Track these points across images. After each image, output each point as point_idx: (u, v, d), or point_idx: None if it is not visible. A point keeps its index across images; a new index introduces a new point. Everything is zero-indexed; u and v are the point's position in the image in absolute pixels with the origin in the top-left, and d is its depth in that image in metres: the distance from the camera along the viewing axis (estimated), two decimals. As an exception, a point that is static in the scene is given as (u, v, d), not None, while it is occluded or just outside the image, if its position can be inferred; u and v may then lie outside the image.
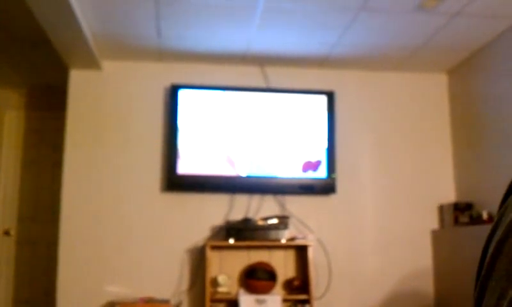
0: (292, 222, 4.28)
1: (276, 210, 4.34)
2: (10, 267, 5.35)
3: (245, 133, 4.32)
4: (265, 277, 4.05)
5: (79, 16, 3.42)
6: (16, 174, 5.50)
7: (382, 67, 4.60)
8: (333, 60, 4.43)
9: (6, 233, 5.38)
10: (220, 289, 4.05)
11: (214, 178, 4.24)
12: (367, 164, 4.56)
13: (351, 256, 4.42)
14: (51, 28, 3.56)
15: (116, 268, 4.19)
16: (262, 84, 4.51)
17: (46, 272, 5.11)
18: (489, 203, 4.02)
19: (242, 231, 4.06)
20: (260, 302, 3.95)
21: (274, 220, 4.14)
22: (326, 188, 4.35)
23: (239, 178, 4.26)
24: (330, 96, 4.45)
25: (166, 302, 3.99)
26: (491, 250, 0.51)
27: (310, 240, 4.16)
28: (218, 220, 4.30)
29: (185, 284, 4.23)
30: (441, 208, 4.50)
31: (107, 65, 4.44)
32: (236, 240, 4.03)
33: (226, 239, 4.05)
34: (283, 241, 4.08)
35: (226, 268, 4.21)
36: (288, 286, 4.22)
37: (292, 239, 4.14)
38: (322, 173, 4.33)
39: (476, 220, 3.98)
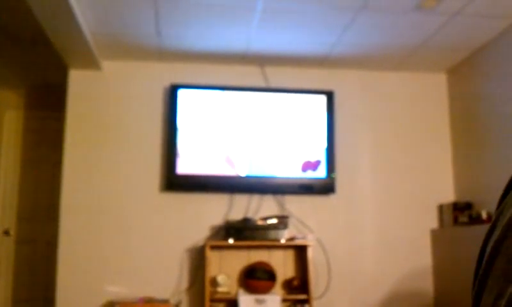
0: (291, 222, 4.28)
1: (276, 210, 4.34)
2: (9, 267, 5.35)
3: (244, 133, 4.32)
4: (264, 277, 4.05)
5: (78, 16, 3.42)
6: (15, 174, 5.50)
7: (381, 67, 4.60)
8: (332, 60, 4.43)
9: (6, 232, 5.38)
10: (220, 289, 4.05)
11: (213, 177, 4.24)
12: (366, 163, 4.56)
13: (351, 256, 4.42)
14: (50, 28, 3.55)
15: (116, 268, 4.19)
16: (262, 84, 4.51)
17: (45, 272, 5.11)
18: (488, 203, 4.02)
19: (241, 231, 4.06)
20: (259, 301, 3.95)
21: (274, 220, 4.14)
22: (325, 188, 4.35)
23: (238, 177, 4.26)
24: (330, 95, 4.45)
25: (166, 301, 3.99)
26: (488, 249, 0.51)
27: (309, 240, 4.16)
28: (218, 220, 4.30)
29: (184, 284, 4.23)
30: (441, 208, 4.51)
31: (107, 65, 4.44)
32: (236, 239, 4.03)
33: (226, 239, 4.05)
34: (283, 241, 4.08)
35: (226, 268, 4.21)
36: (288, 286, 4.22)
37: (291, 239, 4.14)
38: (321, 172, 4.33)
39: (475, 219, 3.98)
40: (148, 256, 4.23)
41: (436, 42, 4.05)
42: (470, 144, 4.36)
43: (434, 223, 4.53)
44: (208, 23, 3.76)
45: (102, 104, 4.39)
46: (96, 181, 4.28)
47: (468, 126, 4.39)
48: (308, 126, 4.38)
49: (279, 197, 4.38)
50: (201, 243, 4.24)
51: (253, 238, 4.06)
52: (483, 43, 4.09)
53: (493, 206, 3.72)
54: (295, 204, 4.37)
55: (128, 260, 4.21)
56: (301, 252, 4.27)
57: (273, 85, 4.51)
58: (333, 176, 4.35)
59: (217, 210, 4.31)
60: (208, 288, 3.93)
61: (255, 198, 4.35)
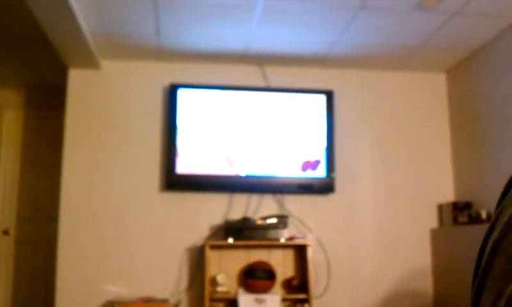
0: (291, 222, 4.28)
1: (275, 210, 4.34)
2: (9, 267, 5.35)
3: (244, 132, 4.32)
4: (264, 276, 4.05)
5: (78, 16, 3.42)
6: (15, 174, 5.50)
7: (381, 66, 4.60)
8: (332, 59, 4.43)
9: (5, 232, 5.39)
10: (219, 288, 4.05)
11: (213, 177, 4.24)
12: (366, 163, 4.56)
13: (350, 256, 4.42)
14: (50, 27, 3.55)
15: (115, 268, 4.19)
16: (261, 83, 4.51)
17: (45, 272, 5.12)
18: (488, 203, 4.02)
19: (241, 231, 4.06)
20: (259, 301, 3.95)
21: (273, 220, 4.14)
22: (325, 187, 4.35)
23: (238, 177, 4.26)
24: (329, 95, 4.45)
25: (165, 301, 3.98)
26: (488, 249, 0.51)
27: (309, 240, 4.16)
28: (217, 219, 4.30)
29: (184, 283, 4.23)
30: (440, 208, 4.51)
31: (106, 64, 4.44)
32: (235, 239, 4.03)
33: (226, 238, 4.05)
34: (282, 240, 4.08)
35: (226, 268, 4.21)
36: (288, 285, 4.22)
37: (291, 238, 4.14)
38: (321, 172, 4.33)
39: (475, 219, 3.98)
40: (148, 256, 4.23)
41: (436, 42, 4.05)
42: (469, 143, 4.36)
43: (433, 223, 4.53)
44: (207, 23, 3.76)
45: (102, 104, 4.39)
46: (95, 180, 4.28)
47: (468, 126, 4.39)
48: (308, 126, 4.38)
49: (278, 196, 4.38)
50: (200, 242, 4.24)
51: (252, 238, 4.06)
52: (483, 42, 4.09)
53: (492, 206, 3.73)
54: (294, 204, 4.38)
55: (128, 260, 4.21)
56: (300, 251, 4.27)
57: (273, 84, 4.51)
58: (333, 175, 4.35)
59: (216, 209, 4.32)
60: (207, 288, 3.93)
61: (255, 198, 4.35)
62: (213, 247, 4.14)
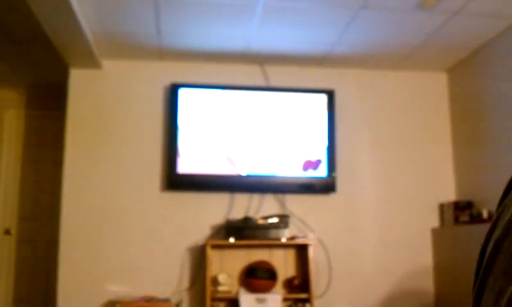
0: (292, 221, 4.28)
1: (277, 209, 4.34)
2: (11, 266, 5.36)
3: (245, 132, 4.32)
4: (265, 276, 4.05)
5: (78, 15, 3.42)
6: (16, 174, 5.50)
7: (382, 66, 4.60)
8: (333, 58, 4.43)
9: (7, 232, 5.39)
10: (220, 288, 4.05)
11: (214, 177, 4.24)
12: (367, 162, 4.56)
13: (352, 255, 4.42)
14: (51, 27, 3.56)
15: (117, 267, 4.19)
16: (262, 83, 4.51)
17: (46, 271, 5.12)
18: (489, 202, 4.02)
19: (242, 230, 4.06)
20: (260, 301, 3.95)
21: (275, 220, 4.14)
22: (326, 187, 4.35)
23: (239, 177, 4.26)
24: (330, 94, 4.45)
25: (167, 301, 3.99)
26: (489, 249, 0.51)
27: (310, 239, 4.16)
28: (218, 219, 4.30)
29: (185, 283, 4.23)
30: (442, 207, 4.51)
31: (107, 64, 4.44)
32: (236, 239, 4.03)
33: (227, 238, 4.05)
34: (284, 240, 4.08)
35: (227, 267, 4.21)
36: (289, 285, 4.22)
37: (292, 238, 4.14)
38: (322, 171, 4.33)
39: (476, 218, 3.98)
40: (149, 256, 4.23)
41: (437, 41, 4.04)
42: (470, 143, 4.36)
43: (435, 222, 4.53)
44: (208, 23, 3.76)
45: (103, 103, 4.39)
46: (97, 180, 4.28)
47: (469, 125, 4.38)
48: (309, 126, 4.38)
49: (280, 196, 4.38)
50: (202, 242, 4.24)
51: (253, 238, 4.06)
52: (483, 42, 4.09)
53: (494, 205, 3.71)
54: (296, 204, 4.37)
55: (129, 259, 4.21)
56: (301, 251, 4.27)
57: (274, 84, 4.51)
58: (334, 175, 4.35)
59: (218, 209, 4.32)
60: (209, 287, 3.93)
61: (256, 197, 4.35)
62: (214, 246, 4.14)
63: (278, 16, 3.65)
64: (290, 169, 4.30)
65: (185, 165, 4.22)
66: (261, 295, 3.98)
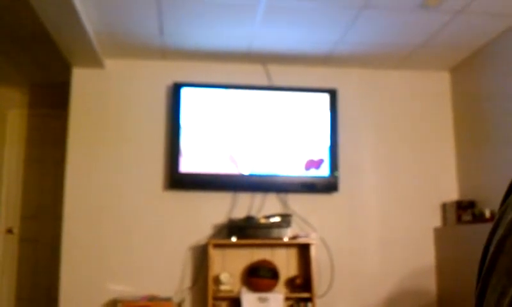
0: (294, 221, 4.28)
1: (279, 208, 4.34)
2: (13, 265, 5.37)
3: (247, 131, 4.32)
4: (267, 275, 4.06)
5: (81, 15, 3.42)
6: (19, 173, 5.51)
7: (385, 65, 4.59)
8: (335, 58, 4.42)
9: (9, 231, 5.40)
10: (222, 287, 4.06)
11: (216, 176, 4.25)
12: (369, 162, 4.55)
13: (354, 254, 4.42)
14: (54, 27, 3.56)
15: (119, 266, 4.20)
16: (265, 82, 4.51)
17: (49, 270, 5.13)
18: (492, 201, 4.01)
19: (244, 230, 4.06)
20: (262, 300, 3.95)
21: (277, 219, 4.14)
22: (328, 186, 4.35)
23: (241, 176, 4.26)
24: (333, 94, 4.44)
25: (169, 300, 3.99)
26: (492, 248, 0.50)
27: (312, 239, 4.16)
28: (221, 218, 4.31)
29: (187, 282, 4.24)
30: (444, 206, 4.50)
31: (110, 63, 4.44)
32: (238, 238, 4.03)
33: (229, 237, 4.05)
34: (286, 239, 4.08)
35: (229, 267, 4.22)
36: (291, 284, 4.22)
37: (294, 237, 4.14)
38: (324, 171, 4.33)
39: (479, 218, 3.97)
40: (151, 255, 4.24)
41: (440, 40, 4.04)
42: (473, 142, 4.35)
43: (437, 221, 4.53)
44: (211, 22, 3.77)
45: (105, 103, 4.40)
46: (99, 179, 4.28)
47: (472, 125, 4.38)
48: (311, 125, 4.38)
49: (282, 195, 4.38)
50: (204, 241, 4.24)
51: (256, 237, 4.06)
52: (486, 41, 4.08)
53: (496, 205, 3.72)
54: (298, 203, 4.37)
55: (132, 259, 4.22)
56: (304, 250, 4.27)
57: (276, 83, 4.51)
58: (336, 174, 4.35)
59: (220, 208, 4.32)
60: (211, 287, 3.93)
61: (258, 197, 4.36)
62: (216, 246, 4.15)
63: (280, 15, 3.65)
64: (293, 169, 4.30)
65: (187, 165, 4.22)
66: (263, 294, 3.98)
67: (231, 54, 4.36)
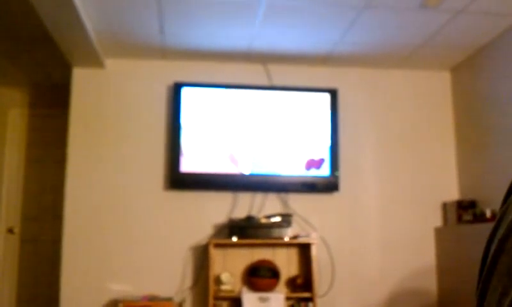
0: (295, 220, 4.28)
1: (279, 208, 4.34)
2: (14, 265, 5.37)
3: (248, 131, 4.32)
4: (268, 275, 4.06)
5: (82, 15, 3.42)
6: (19, 173, 5.51)
7: (385, 65, 4.59)
8: (336, 58, 4.42)
9: (10, 231, 5.40)
10: (223, 287, 4.06)
11: (217, 176, 4.25)
12: (370, 161, 4.55)
13: (354, 254, 4.41)
14: (54, 26, 3.56)
15: (120, 266, 4.20)
16: (265, 82, 4.51)
17: (49, 270, 5.13)
18: (492, 201, 4.01)
19: (245, 229, 4.06)
20: (263, 299, 3.95)
21: (277, 218, 4.14)
22: (329, 186, 4.35)
23: (242, 176, 4.26)
24: (333, 93, 4.44)
25: (169, 300, 3.99)
26: (493, 248, 0.50)
27: (313, 238, 4.16)
28: (221, 218, 4.31)
29: (188, 282, 4.24)
30: (445, 206, 4.50)
31: (110, 63, 4.44)
32: (239, 238, 4.03)
33: (230, 237, 4.05)
34: (286, 239, 4.08)
35: (230, 266, 4.22)
36: (292, 284, 4.22)
37: (295, 237, 4.14)
38: (325, 170, 4.33)
39: (479, 218, 3.97)
40: (152, 254, 4.24)
41: (440, 40, 4.03)
42: (474, 142, 4.35)
43: (438, 221, 4.52)
44: (211, 22, 3.77)
45: (106, 102, 4.40)
46: (100, 179, 4.29)
47: (472, 124, 4.37)
48: (312, 125, 4.38)
49: (282, 195, 4.38)
50: (204, 241, 4.24)
51: (256, 237, 4.06)
52: (487, 41, 4.08)
53: (497, 205, 3.72)
54: (299, 203, 4.37)
55: (132, 258, 4.22)
56: (304, 250, 4.27)
57: (276, 83, 4.51)
58: (337, 174, 4.34)
59: (220, 208, 4.32)
60: (212, 286, 3.93)
61: (259, 196, 4.36)
62: (217, 245, 4.15)
63: (280, 15, 3.65)
64: (293, 168, 4.30)
65: (188, 164, 4.22)
66: (264, 294, 3.98)
67: (231, 54, 4.36)
